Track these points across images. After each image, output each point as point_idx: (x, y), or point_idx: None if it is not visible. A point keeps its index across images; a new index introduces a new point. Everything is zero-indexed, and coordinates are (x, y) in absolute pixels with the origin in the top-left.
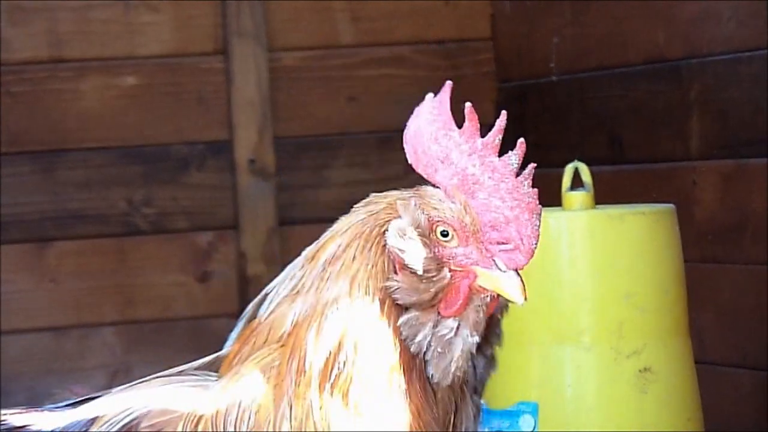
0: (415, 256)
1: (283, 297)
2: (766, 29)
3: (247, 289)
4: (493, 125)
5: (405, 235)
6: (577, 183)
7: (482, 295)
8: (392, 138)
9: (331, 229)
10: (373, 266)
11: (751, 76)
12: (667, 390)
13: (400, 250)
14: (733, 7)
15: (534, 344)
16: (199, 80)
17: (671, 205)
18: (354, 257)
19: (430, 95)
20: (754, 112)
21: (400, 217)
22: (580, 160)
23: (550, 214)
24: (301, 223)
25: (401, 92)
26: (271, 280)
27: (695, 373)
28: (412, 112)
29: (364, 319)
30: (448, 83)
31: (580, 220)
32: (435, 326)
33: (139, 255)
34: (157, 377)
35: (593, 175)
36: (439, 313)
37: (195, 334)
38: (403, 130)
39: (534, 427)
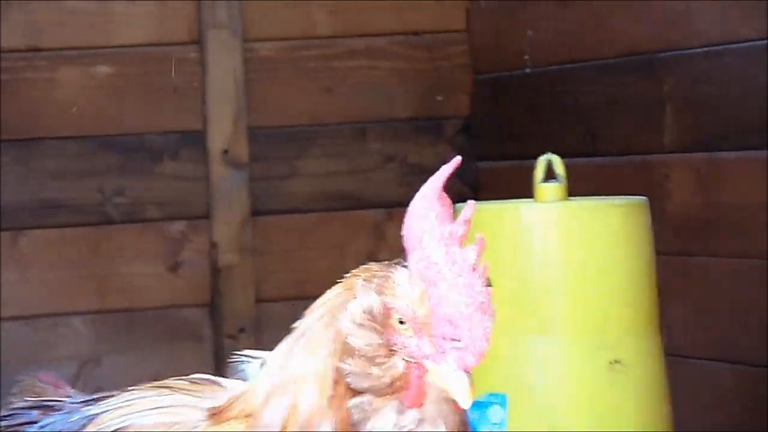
0: (362, 340)
1: (263, 371)
2: (739, 24)
3: (219, 279)
4: (467, 118)
5: (354, 319)
6: (550, 175)
7: (438, 389)
8: (367, 129)
9: (318, 299)
10: (332, 347)
11: (726, 70)
12: (637, 382)
13: (348, 334)
14: (707, 1)
15: (505, 335)
16: (174, 71)
17: (644, 198)
18: (319, 334)
19: (444, 167)
20: (728, 105)
21: (356, 301)
22: (553, 152)
23: (522, 206)
24: (274, 213)
25: (377, 84)
26: (243, 271)
27: (665, 366)
28: (387, 104)
29: (314, 400)
30: (458, 159)
31: (553, 212)
32: (399, 414)
33: (112, 244)
34: (153, 387)
35: (567, 167)
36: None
37: (166, 324)
38: (378, 122)
39: (503, 419)
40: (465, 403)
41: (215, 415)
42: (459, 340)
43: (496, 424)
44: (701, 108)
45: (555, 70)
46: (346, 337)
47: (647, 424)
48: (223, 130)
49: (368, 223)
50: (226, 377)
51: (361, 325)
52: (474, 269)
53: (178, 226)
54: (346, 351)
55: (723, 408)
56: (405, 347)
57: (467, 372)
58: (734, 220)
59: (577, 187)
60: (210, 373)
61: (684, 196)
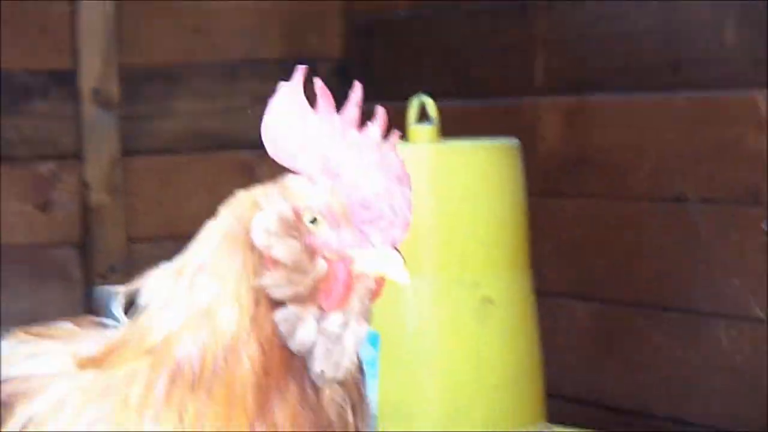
0: (283, 249)
1: (154, 309)
2: None
3: (90, 218)
4: (340, 59)
5: (269, 230)
6: (424, 117)
7: (364, 281)
8: (238, 69)
9: (198, 236)
10: (243, 266)
11: (595, 14)
12: (507, 320)
13: (267, 246)
14: None
15: None
16: (43, 9)
17: (515, 140)
18: (222, 261)
19: (284, 84)
20: (597, 49)
21: (263, 212)
22: (427, 94)
23: None
24: (144, 153)
25: (248, 24)
26: (113, 211)
27: (535, 304)
28: (258, 44)
29: (235, 323)
30: (302, 67)
31: (425, 153)
32: (319, 321)
33: None
34: (33, 333)
35: (440, 109)
36: (321, 307)
37: (36, 263)
38: (250, 62)
39: (375, 357)
40: (403, 279)
41: (97, 360)
42: (381, 219)
43: (367, 362)
44: (571, 51)
45: (428, 12)
46: (263, 252)
47: (517, 360)
48: (93, 70)
49: (240, 163)
50: (99, 316)
51: (278, 235)
52: (381, 144)
53: (48, 166)
54: (262, 267)
55: (592, 345)
56: (326, 244)
57: (397, 248)
58: (603, 162)
59: (449, 129)
60: (81, 313)
61: (554, 138)
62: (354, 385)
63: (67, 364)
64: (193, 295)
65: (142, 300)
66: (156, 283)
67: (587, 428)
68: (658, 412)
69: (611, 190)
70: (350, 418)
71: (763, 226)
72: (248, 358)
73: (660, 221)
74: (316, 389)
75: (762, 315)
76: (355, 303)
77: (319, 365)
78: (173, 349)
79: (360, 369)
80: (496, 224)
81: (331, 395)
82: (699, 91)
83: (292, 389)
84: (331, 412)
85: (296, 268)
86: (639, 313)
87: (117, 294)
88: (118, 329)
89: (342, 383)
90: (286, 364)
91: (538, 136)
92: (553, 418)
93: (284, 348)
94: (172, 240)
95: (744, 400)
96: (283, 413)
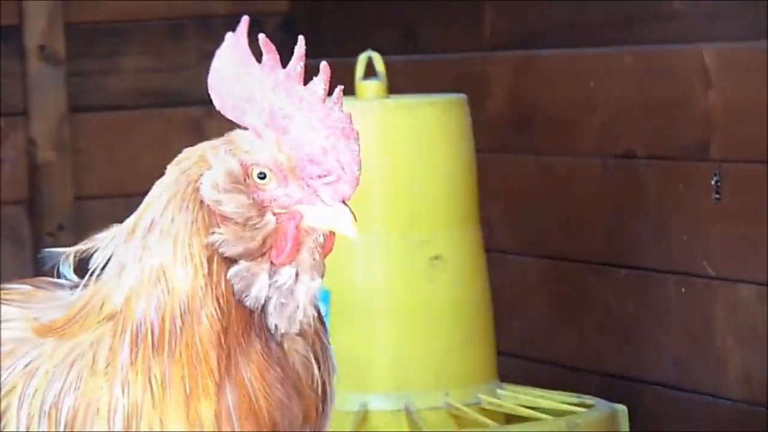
0: (232, 205)
1: (109, 273)
2: None
3: (37, 176)
4: (286, 15)
5: (218, 185)
6: (371, 73)
7: (314, 236)
8: (185, 26)
9: (147, 196)
10: (193, 223)
11: None
12: (457, 278)
13: (215, 201)
14: None
15: None
16: None
17: (463, 96)
18: (172, 219)
19: (229, 34)
20: (546, 4)
21: (211, 168)
22: (374, 50)
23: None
24: (91, 110)
25: None
26: (61, 168)
27: (485, 261)
28: (204, 1)
29: (189, 281)
30: (245, 18)
31: (372, 110)
32: (271, 276)
33: None
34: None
35: (387, 65)
36: (272, 262)
37: None
38: (197, 18)
39: (325, 315)
40: (351, 233)
41: (57, 328)
42: (329, 174)
43: None
44: (520, 6)
45: None
46: (212, 208)
47: (467, 318)
48: (39, 26)
49: (188, 120)
50: (53, 276)
51: (226, 191)
52: (325, 100)
53: None
54: (211, 224)
55: (542, 302)
56: (274, 199)
57: (346, 203)
58: (552, 118)
59: (397, 85)
60: (30, 270)
61: (503, 94)
62: (316, 337)
63: (26, 330)
64: (146, 256)
65: (94, 263)
66: (107, 245)
67: (538, 386)
68: (609, 369)
69: (560, 147)
70: (316, 370)
71: (713, 182)
72: (206, 317)
73: (609, 178)
74: (280, 344)
75: (711, 272)
76: (306, 257)
77: (273, 320)
78: (132, 313)
79: (321, 321)
80: (445, 181)
81: (294, 348)
82: (647, 46)
83: (256, 346)
84: (298, 366)
85: (245, 224)
86: (589, 270)
87: (67, 256)
88: (75, 296)
89: (303, 335)
90: (246, 320)
91: (486, 91)
92: (504, 376)
93: (241, 304)
94: (121, 197)
95: (694, 357)
96: (249, 370)
